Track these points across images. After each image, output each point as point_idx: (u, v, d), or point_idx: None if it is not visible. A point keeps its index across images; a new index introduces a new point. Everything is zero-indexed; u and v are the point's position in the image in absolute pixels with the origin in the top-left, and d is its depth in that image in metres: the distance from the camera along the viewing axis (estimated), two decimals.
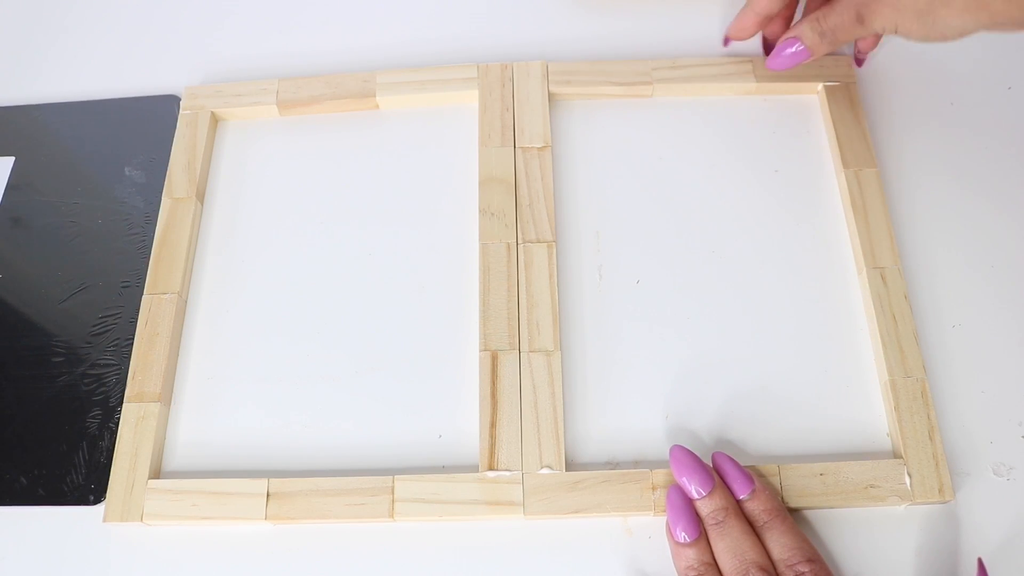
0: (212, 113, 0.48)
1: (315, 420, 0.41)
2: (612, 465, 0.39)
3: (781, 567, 0.34)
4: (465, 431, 0.40)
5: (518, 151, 0.46)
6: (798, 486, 0.37)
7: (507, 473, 0.38)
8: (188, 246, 0.45)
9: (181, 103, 0.49)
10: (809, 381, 0.40)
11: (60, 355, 0.44)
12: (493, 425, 0.39)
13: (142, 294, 0.44)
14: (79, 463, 0.41)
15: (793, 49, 0.43)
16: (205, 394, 0.42)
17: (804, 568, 0.34)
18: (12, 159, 0.50)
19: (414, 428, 0.41)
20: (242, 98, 0.49)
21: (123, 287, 0.45)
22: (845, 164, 0.44)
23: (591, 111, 0.48)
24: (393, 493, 0.38)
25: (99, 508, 0.40)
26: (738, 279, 0.43)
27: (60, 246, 0.47)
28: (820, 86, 0.47)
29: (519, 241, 0.43)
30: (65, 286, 0.46)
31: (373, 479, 0.38)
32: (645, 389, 0.41)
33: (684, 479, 0.36)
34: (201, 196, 0.47)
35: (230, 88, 0.49)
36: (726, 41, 0.48)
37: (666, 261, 0.44)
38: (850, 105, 0.46)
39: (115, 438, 0.40)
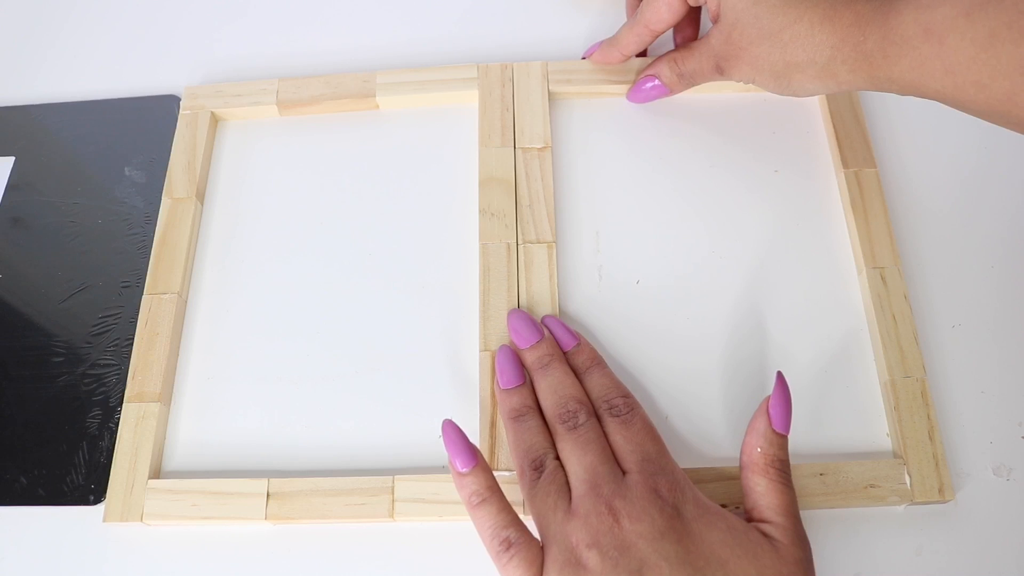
0: (212, 113, 0.48)
1: (315, 420, 0.41)
2: None
3: (599, 403, 0.37)
4: (465, 431, 0.40)
5: (518, 151, 0.46)
6: (798, 486, 0.37)
7: (507, 473, 0.38)
8: (188, 246, 0.45)
9: (181, 103, 0.49)
10: (809, 381, 0.40)
11: (60, 355, 0.44)
12: (493, 425, 0.39)
13: (142, 294, 0.44)
14: (79, 463, 0.41)
15: (651, 85, 0.46)
16: (205, 394, 0.42)
17: (619, 402, 0.37)
18: (12, 159, 0.50)
19: (414, 428, 0.41)
20: (242, 98, 0.49)
21: (123, 287, 0.45)
22: (845, 164, 0.44)
23: (591, 110, 0.48)
24: (393, 493, 0.38)
25: (99, 508, 0.40)
26: (738, 279, 0.43)
27: (60, 246, 0.47)
28: None
29: (519, 241, 0.43)
30: (65, 286, 0.46)
31: (373, 479, 0.38)
32: (644, 389, 0.41)
33: (514, 334, 0.40)
34: (201, 196, 0.47)
35: (230, 88, 0.49)
36: (584, 58, 0.48)
37: (666, 261, 0.44)
38: (850, 105, 0.46)
39: (115, 438, 0.40)
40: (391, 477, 0.38)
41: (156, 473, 0.40)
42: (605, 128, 0.47)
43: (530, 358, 0.39)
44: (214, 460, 0.41)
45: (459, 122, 0.48)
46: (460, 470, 0.35)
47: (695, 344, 0.42)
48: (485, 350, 0.41)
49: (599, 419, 0.37)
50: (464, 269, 0.44)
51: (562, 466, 0.35)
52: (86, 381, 0.43)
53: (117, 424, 0.41)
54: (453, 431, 0.36)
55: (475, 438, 0.40)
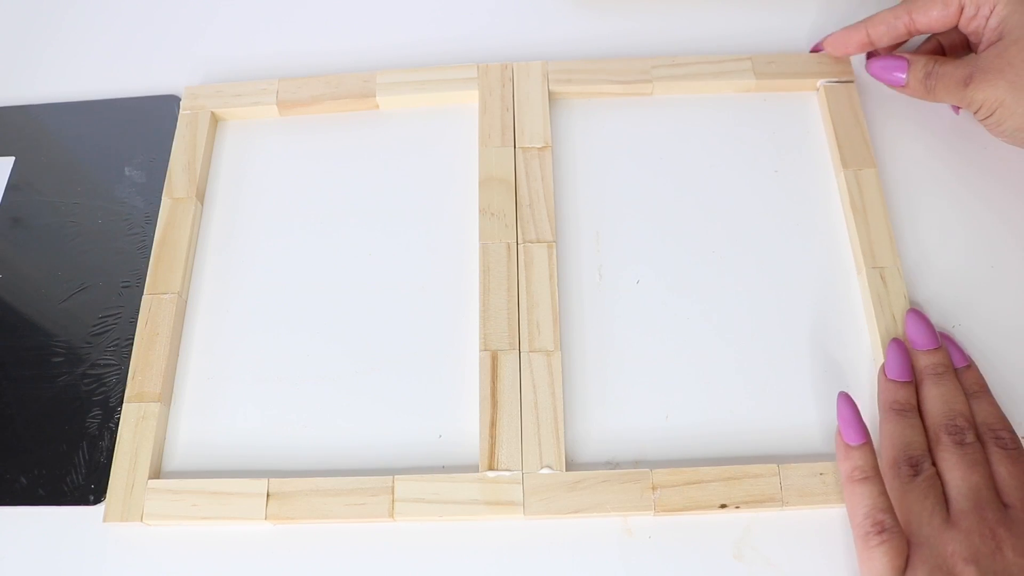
0: (212, 113, 0.48)
1: (315, 420, 0.41)
2: (612, 465, 0.39)
3: (984, 429, 0.36)
4: (465, 431, 0.40)
5: (518, 151, 0.46)
6: (798, 485, 0.37)
7: (507, 473, 0.38)
8: (188, 246, 0.45)
9: (181, 103, 0.49)
10: (809, 381, 0.40)
11: (60, 355, 0.44)
12: (493, 425, 0.39)
13: (142, 294, 0.44)
14: (79, 463, 0.41)
15: (895, 66, 0.44)
16: (205, 394, 0.42)
17: (1005, 435, 0.36)
18: (12, 159, 0.50)
19: (414, 428, 0.41)
20: (242, 98, 0.49)
21: (123, 287, 0.45)
22: (844, 164, 0.44)
23: (591, 110, 0.48)
24: (393, 493, 0.38)
25: (99, 508, 0.40)
26: (738, 279, 0.43)
27: (60, 246, 0.47)
28: (819, 85, 0.47)
29: (519, 241, 0.43)
30: (65, 286, 0.46)
31: (373, 479, 0.38)
32: (645, 389, 0.41)
33: (913, 333, 0.39)
34: (201, 196, 0.47)
35: (230, 88, 0.49)
36: (816, 49, 0.48)
37: (666, 261, 0.44)
38: (849, 105, 0.46)
39: (115, 438, 0.40)
40: (391, 477, 0.38)
41: (156, 473, 0.40)
42: (605, 128, 0.47)
43: (924, 361, 0.39)
44: (214, 460, 0.41)
45: (459, 122, 0.48)
46: (850, 442, 0.35)
47: (695, 344, 0.42)
48: (485, 350, 0.41)
49: (982, 445, 0.36)
50: (464, 269, 0.44)
51: (938, 476, 0.35)
52: (86, 381, 0.43)
53: (117, 424, 0.41)
54: (848, 404, 0.36)
55: (474, 438, 0.40)
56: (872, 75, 0.45)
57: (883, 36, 0.44)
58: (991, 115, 0.40)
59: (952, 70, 0.41)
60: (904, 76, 0.43)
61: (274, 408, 0.42)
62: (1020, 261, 0.43)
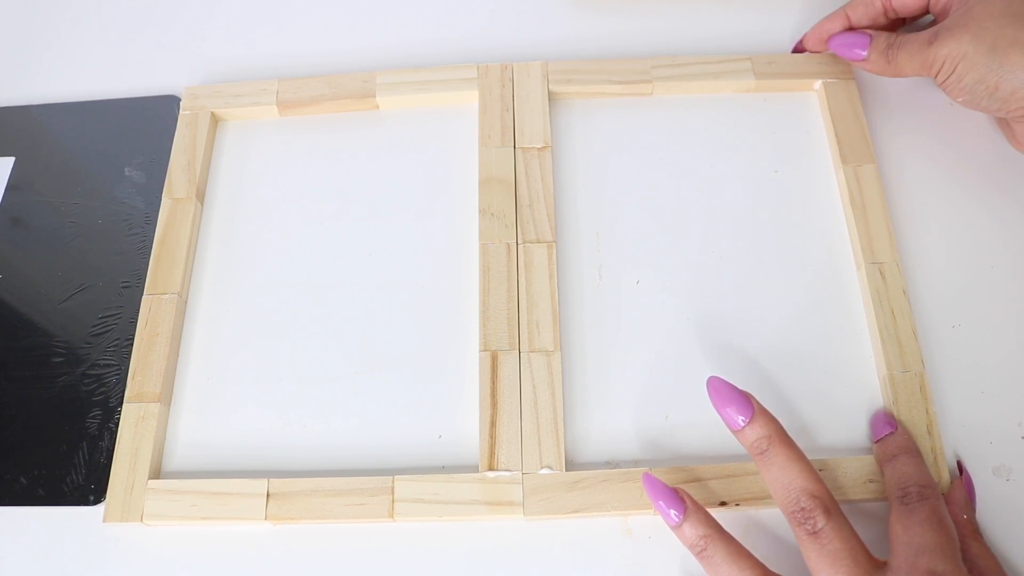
0: (212, 113, 0.48)
1: (315, 420, 0.41)
2: (612, 465, 0.39)
3: (892, 491, 0.35)
4: (465, 431, 0.40)
5: (518, 151, 0.46)
6: None
7: (507, 473, 0.38)
8: (188, 246, 0.45)
9: (181, 103, 0.49)
10: (808, 377, 0.40)
11: (60, 355, 0.44)
12: (493, 425, 0.39)
13: (142, 294, 0.44)
14: (79, 463, 0.41)
15: (855, 49, 0.43)
16: (205, 394, 0.42)
17: (913, 490, 0.34)
18: (12, 159, 0.50)
19: (414, 428, 0.41)
20: (242, 98, 0.49)
21: (123, 287, 0.45)
22: (844, 160, 0.44)
23: (591, 110, 0.48)
24: (393, 493, 0.38)
25: (99, 508, 0.40)
26: (738, 277, 0.43)
27: (60, 246, 0.47)
28: (819, 83, 0.47)
29: (519, 241, 0.43)
30: (65, 286, 0.46)
31: (373, 479, 0.38)
32: (645, 389, 0.41)
33: (727, 410, 0.35)
34: (201, 196, 0.47)
35: (230, 88, 0.49)
36: (798, 50, 0.48)
37: (666, 261, 0.44)
38: (849, 101, 0.46)
39: (115, 438, 0.40)
40: (391, 477, 0.38)
41: (156, 473, 0.40)
42: (605, 128, 0.47)
43: (746, 441, 0.35)
44: (214, 460, 0.41)
45: (459, 122, 0.48)
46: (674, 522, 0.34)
47: (695, 343, 0.42)
48: (485, 350, 0.41)
49: (889, 507, 0.34)
50: (464, 269, 0.44)
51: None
52: (86, 381, 0.43)
53: (117, 424, 0.41)
54: (653, 483, 0.35)
55: (474, 439, 0.40)
56: (834, 51, 0.45)
57: (862, 18, 0.45)
58: (953, 71, 0.40)
59: (915, 36, 0.41)
60: (865, 52, 0.43)
61: (274, 408, 0.42)
62: (1020, 261, 0.43)
